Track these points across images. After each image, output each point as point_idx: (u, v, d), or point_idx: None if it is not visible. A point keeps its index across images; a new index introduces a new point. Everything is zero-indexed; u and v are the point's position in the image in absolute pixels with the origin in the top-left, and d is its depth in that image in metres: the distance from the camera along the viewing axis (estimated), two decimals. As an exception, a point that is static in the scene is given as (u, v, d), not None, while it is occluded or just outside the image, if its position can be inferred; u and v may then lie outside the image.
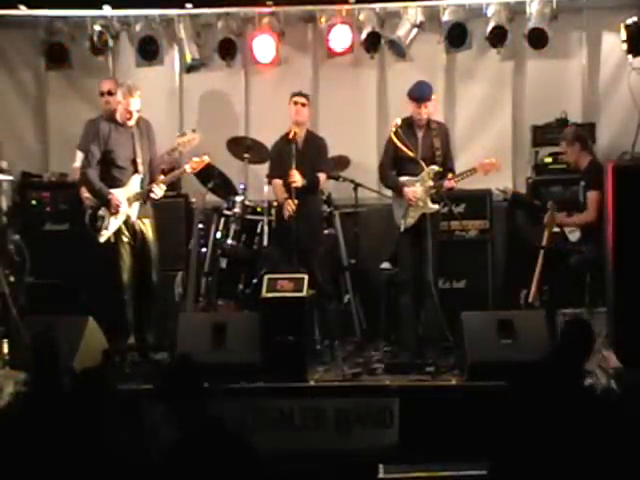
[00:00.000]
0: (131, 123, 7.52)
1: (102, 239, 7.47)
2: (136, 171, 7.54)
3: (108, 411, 4.50)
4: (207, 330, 7.05)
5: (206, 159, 7.73)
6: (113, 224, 7.46)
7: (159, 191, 7.54)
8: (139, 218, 7.53)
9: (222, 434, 4.39)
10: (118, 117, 7.52)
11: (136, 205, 7.51)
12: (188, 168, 7.69)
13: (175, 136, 8.17)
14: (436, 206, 7.62)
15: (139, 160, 7.52)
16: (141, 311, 7.60)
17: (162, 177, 7.64)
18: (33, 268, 7.87)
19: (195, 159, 7.68)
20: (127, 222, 7.49)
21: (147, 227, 7.57)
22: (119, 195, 7.45)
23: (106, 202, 7.44)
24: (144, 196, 7.53)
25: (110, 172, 7.53)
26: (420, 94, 7.62)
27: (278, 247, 7.94)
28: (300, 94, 8.06)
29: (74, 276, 8.11)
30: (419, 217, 7.57)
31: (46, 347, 5.19)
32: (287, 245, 7.81)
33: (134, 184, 7.53)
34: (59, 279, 8.07)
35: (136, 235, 7.53)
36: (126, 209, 7.47)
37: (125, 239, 7.49)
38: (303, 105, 8.01)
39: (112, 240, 7.47)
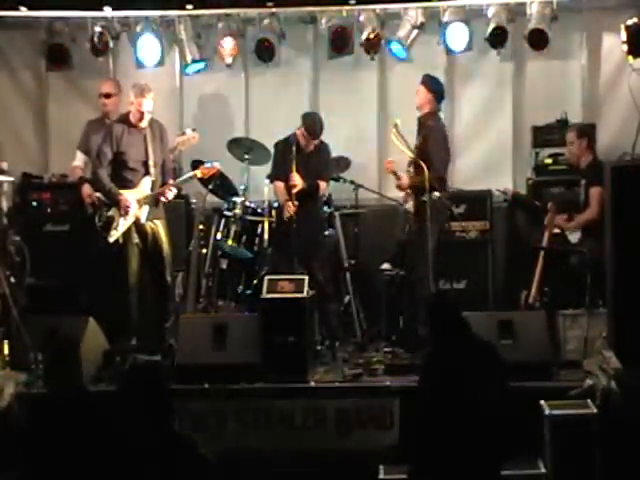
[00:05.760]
0: (143, 124, 7.54)
1: (111, 239, 7.49)
2: (147, 173, 7.56)
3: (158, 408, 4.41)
4: (208, 331, 7.06)
5: (217, 165, 7.77)
6: (122, 225, 7.47)
7: (170, 194, 7.57)
8: (151, 219, 7.55)
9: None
10: (131, 118, 7.54)
11: (146, 207, 7.52)
12: (199, 173, 7.73)
13: (175, 135, 8.23)
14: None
15: (150, 162, 7.55)
16: (157, 311, 7.66)
17: (172, 180, 7.66)
18: (34, 269, 7.85)
19: (207, 165, 7.73)
20: (137, 224, 7.51)
21: (159, 228, 7.60)
22: (129, 196, 7.47)
23: (116, 203, 7.45)
24: (155, 198, 7.55)
25: (121, 173, 7.57)
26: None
27: (278, 248, 7.94)
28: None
29: (75, 277, 8.12)
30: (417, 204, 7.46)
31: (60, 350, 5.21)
32: (287, 246, 7.81)
33: (145, 186, 7.55)
34: (60, 280, 8.08)
35: (147, 237, 7.55)
36: (136, 211, 7.48)
37: (134, 240, 7.51)
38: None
39: (121, 241, 7.49)
